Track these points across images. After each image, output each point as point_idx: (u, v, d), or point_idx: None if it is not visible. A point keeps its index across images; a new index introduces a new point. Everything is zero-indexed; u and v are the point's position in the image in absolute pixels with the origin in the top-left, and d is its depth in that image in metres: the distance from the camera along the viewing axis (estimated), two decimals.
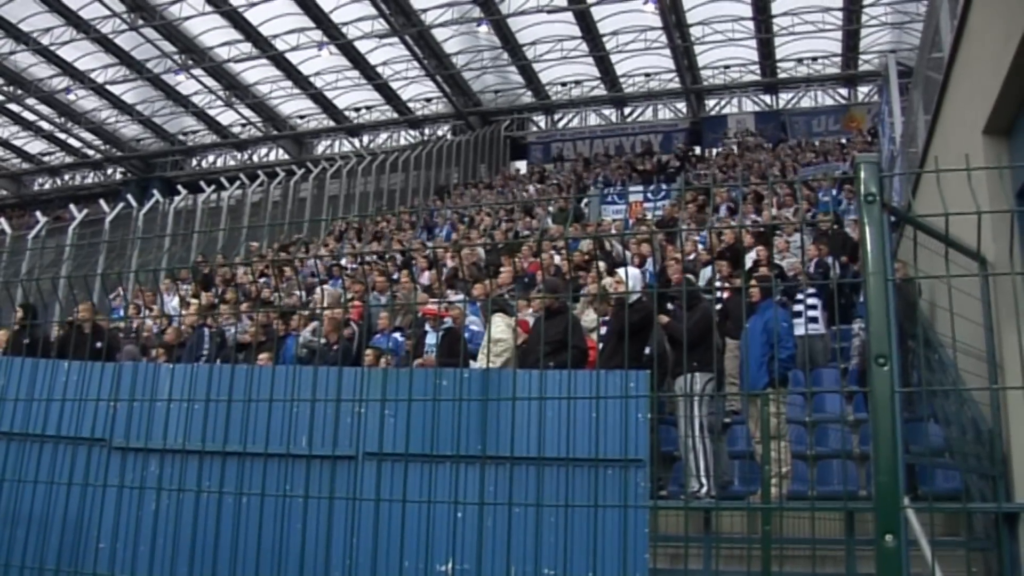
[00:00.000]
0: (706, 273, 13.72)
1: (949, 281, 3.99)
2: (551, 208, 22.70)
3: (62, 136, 44.01)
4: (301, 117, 43.58)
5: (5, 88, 38.46)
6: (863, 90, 38.43)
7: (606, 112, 42.46)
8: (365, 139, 44.73)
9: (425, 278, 15.94)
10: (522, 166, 41.53)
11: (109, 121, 42.68)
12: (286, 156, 44.13)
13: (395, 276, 15.11)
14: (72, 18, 33.79)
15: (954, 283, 3.92)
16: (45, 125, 42.37)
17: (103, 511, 5.01)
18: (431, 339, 10.74)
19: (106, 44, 35.79)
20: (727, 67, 38.62)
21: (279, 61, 37.62)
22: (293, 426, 5.01)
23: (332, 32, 35.10)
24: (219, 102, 40.95)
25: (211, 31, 35.52)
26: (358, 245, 22.64)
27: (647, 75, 39.34)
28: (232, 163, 45.44)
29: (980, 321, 6.07)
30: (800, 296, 11.87)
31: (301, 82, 39.60)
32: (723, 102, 40.88)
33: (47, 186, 48.60)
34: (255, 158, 45.69)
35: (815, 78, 38.69)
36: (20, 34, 34.55)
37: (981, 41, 6.91)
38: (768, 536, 6.96)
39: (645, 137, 40.17)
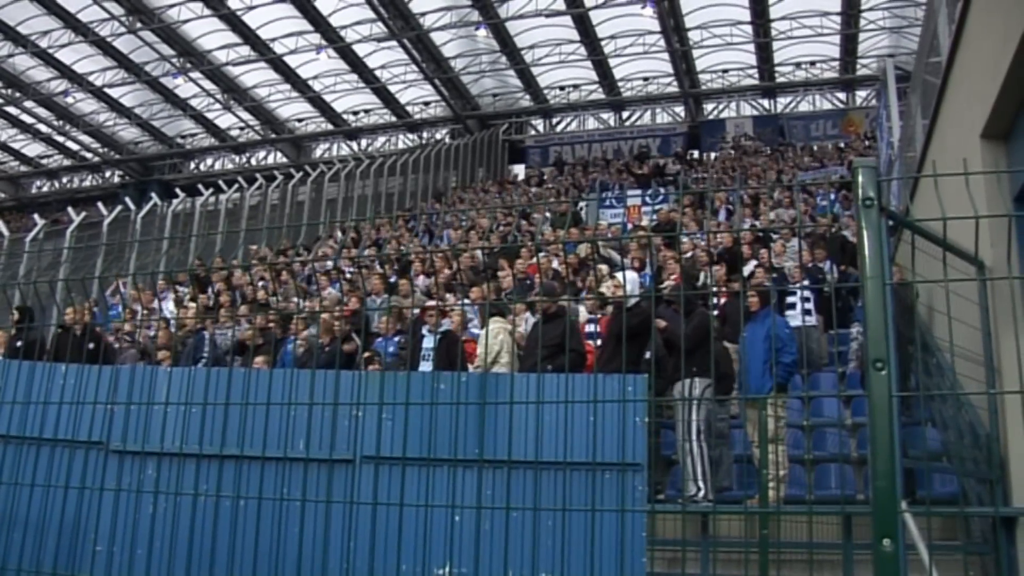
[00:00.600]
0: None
1: (947, 285, 4.00)
2: (547, 213, 22.69)
3: (60, 139, 43.98)
4: (299, 120, 43.56)
5: (3, 91, 38.44)
6: (861, 94, 38.45)
7: (604, 116, 42.46)
8: (363, 142, 44.71)
9: (421, 281, 15.92)
10: (520, 170, 41.50)
11: (107, 124, 42.66)
12: (284, 159, 44.12)
13: (392, 279, 15.09)
14: (71, 21, 33.77)
15: (952, 287, 3.92)
16: (43, 128, 42.34)
17: (100, 514, 5.00)
18: (428, 343, 10.72)
19: (105, 47, 35.80)
20: (725, 71, 38.63)
21: (277, 64, 37.64)
22: (290, 429, 5.01)
23: (330, 35, 35.11)
24: (217, 105, 40.94)
25: (209, 34, 35.53)
26: (355, 249, 22.62)
27: (645, 79, 39.36)
28: (230, 166, 45.41)
29: (978, 325, 6.07)
30: (794, 290, 11.88)
31: (299, 85, 39.61)
32: (721, 106, 40.88)
33: (45, 189, 48.56)
34: (253, 161, 45.66)
35: (813, 82, 38.71)
36: (18, 37, 34.54)
37: (979, 45, 6.92)
38: (766, 540, 6.96)
39: (643, 141, 40.16)
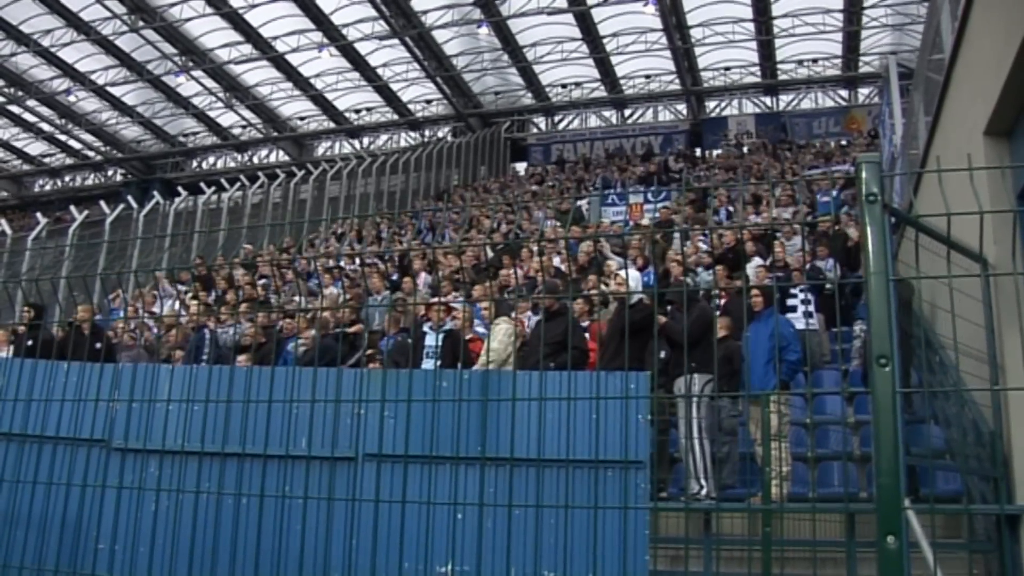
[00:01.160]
0: (704, 276, 13.73)
1: (950, 282, 3.98)
2: (549, 208, 22.67)
3: (63, 138, 44.01)
4: (301, 119, 43.57)
5: (6, 90, 38.47)
6: (864, 92, 38.41)
7: (606, 114, 42.44)
8: (365, 141, 44.71)
9: (423, 279, 15.92)
10: (522, 168, 41.48)
11: (110, 123, 42.68)
12: (286, 157, 44.10)
13: (394, 277, 15.09)
14: (73, 20, 33.79)
15: (955, 284, 3.91)
16: (46, 127, 42.37)
17: (102, 512, 5.00)
18: (431, 340, 10.71)
19: (107, 46, 35.81)
20: (727, 69, 38.60)
21: (279, 63, 37.63)
22: (292, 427, 5.00)
23: (332, 34, 35.09)
24: (219, 104, 40.95)
25: (212, 33, 35.52)
26: (358, 247, 22.63)
27: (647, 77, 39.34)
28: (232, 164, 45.41)
29: (981, 322, 6.06)
30: (794, 293, 11.87)
31: (301, 84, 39.60)
32: (723, 104, 40.85)
33: (48, 187, 48.60)
34: (255, 159, 45.67)
35: (815, 80, 38.66)
36: (21, 36, 34.56)
37: (982, 42, 6.90)
38: (768, 538, 6.95)
39: (645, 139, 40.14)
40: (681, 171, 31.11)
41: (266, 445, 4.90)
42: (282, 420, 4.99)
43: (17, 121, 41.87)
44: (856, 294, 12.13)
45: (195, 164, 46.79)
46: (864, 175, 3.24)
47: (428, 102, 41.93)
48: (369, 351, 10.82)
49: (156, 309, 15.47)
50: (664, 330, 9.38)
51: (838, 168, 27.69)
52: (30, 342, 11.23)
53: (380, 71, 38.68)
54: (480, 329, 11.80)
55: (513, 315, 10.53)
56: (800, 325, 10.91)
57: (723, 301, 11.16)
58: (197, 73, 37.84)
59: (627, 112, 42.09)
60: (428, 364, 10.33)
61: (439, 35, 35.70)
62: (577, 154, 40.63)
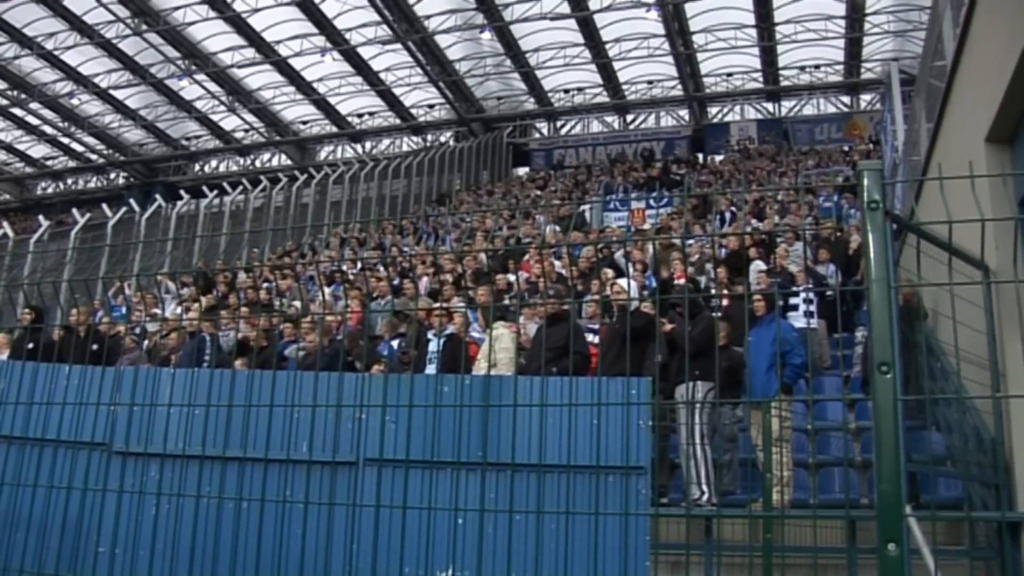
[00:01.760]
0: (706, 272, 13.72)
1: (952, 289, 3.98)
2: (551, 214, 22.70)
3: (65, 140, 44.09)
4: (304, 123, 43.63)
5: (9, 92, 38.53)
6: (865, 98, 38.46)
7: (608, 119, 42.49)
8: (367, 145, 44.77)
9: (424, 283, 15.93)
10: (524, 173, 41.53)
11: (112, 126, 42.74)
12: (288, 162, 44.16)
13: (396, 282, 15.10)
14: (76, 23, 33.85)
15: (957, 291, 3.91)
16: (48, 129, 42.45)
17: (103, 515, 5.00)
18: (434, 346, 10.70)
19: (110, 49, 35.86)
20: (729, 75, 38.66)
21: (282, 67, 37.69)
22: (294, 431, 5.00)
23: (335, 38, 35.15)
24: (222, 107, 41.01)
25: (214, 36, 35.59)
26: (360, 251, 22.64)
27: (649, 82, 39.38)
28: (235, 168, 45.49)
29: (983, 329, 6.05)
30: (796, 302, 11.88)
31: (304, 88, 39.66)
32: (725, 109, 40.91)
33: (50, 190, 48.67)
34: (258, 163, 45.75)
35: (817, 86, 38.70)
36: (24, 39, 34.62)
37: (984, 49, 6.91)
38: (770, 544, 6.94)
39: (647, 144, 40.17)
40: (683, 176, 31.12)
41: (267, 449, 4.90)
42: (283, 424, 4.99)
43: (20, 124, 41.94)
44: (858, 300, 12.13)
45: (197, 168, 46.85)
46: (866, 182, 3.25)
47: (431, 107, 41.99)
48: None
49: (157, 311, 15.46)
50: (669, 336, 9.38)
51: (837, 169, 27.75)
52: (30, 345, 11.23)
53: (383, 75, 38.73)
54: (475, 334, 11.79)
55: (521, 320, 10.54)
56: (800, 324, 10.92)
57: (724, 304, 11.17)
58: (200, 77, 37.93)
59: (629, 117, 42.14)
60: (430, 369, 10.32)
61: (442, 40, 35.76)
62: (579, 159, 40.68)
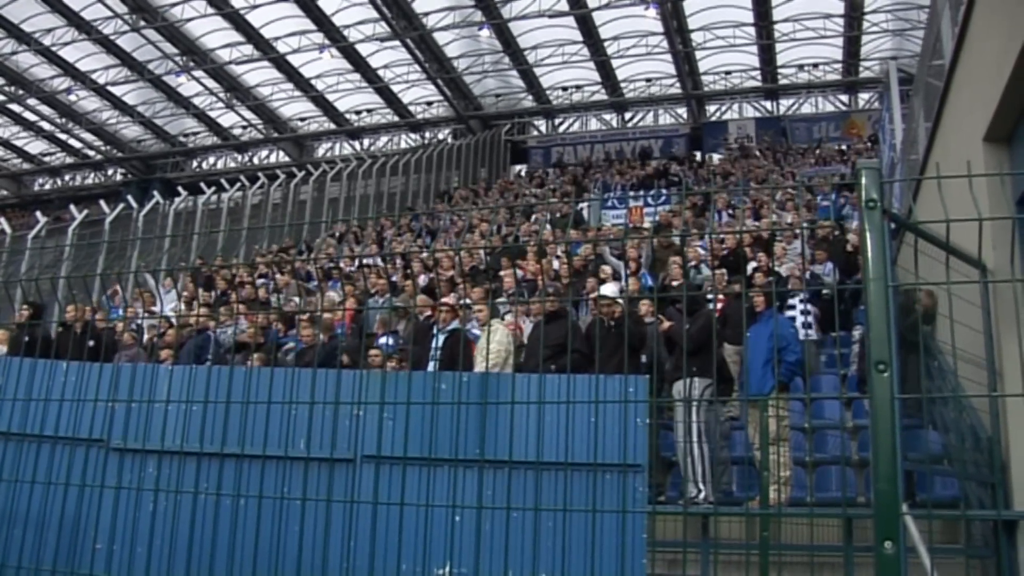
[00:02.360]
0: (707, 272, 13.71)
1: (949, 288, 3.99)
2: (547, 214, 22.72)
3: (63, 137, 44.01)
4: (302, 119, 43.58)
5: (6, 88, 38.46)
6: (864, 97, 38.45)
7: (607, 117, 42.46)
8: (366, 142, 44.73)
9: (422, 280, 15.94)
10: (522, 170, 41.50)
11: (110, 122, 42.68)
12: (286, 158, 44.11)
13: (394, 278, 15.10)
14: (74, 19, 33.78)
15: (954, 290, 3.92)
16: (46, 125, 42.37)
17: (100, 512, 5.00)
18: (434, 342, 10.69)
19: (108, 45, 35.79)
20: (728, 73, 38.63)
21: (280, 63, 37.62)
22: (291, 428, 5.01)
23: (333, 35, 35.10)
24: (220, 104, 40.96)
25: (213, 33, 35.51)
26: (357, 248, 22.64)
27: (648, 80, 39.35)
28: (232, 165, 45.42)
29: (980, 328, 6.07)
30: (793, 302, 11.88)
31: (302, 84, 39.60)
32: (724, 107, 40.88)
33: (47, 186, 48.58)
34: (255, 160, 45.68)
35: (816, 84, 38.68)
36: (22, 34, 34.55)
37: (982, 49, 6.92)
38: (766, 542, 6.96)
39: (646, 142, 40.15)
40: (680, 174, 31.13)
41: (265, 446, 4.91)
42: (281, 421, 4.99)
43: (17, 120, 41.87)
44: (855, 299, 12.13)
45: (195, 164, 46.79)
46: (864, 181, 3.25)
47: (429, 104, 41.95)
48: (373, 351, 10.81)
49: (155, 308, 15.45)
50: (667, 333, 9.39)
51: (836, 169, 27.75)
52: (27, 339, 11.22)
53: (381, 72, 38.69)
54: (475, 331, 11.79)
55: (514, 317, 10.54)
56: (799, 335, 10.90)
57: (720, 304, 11.17)
58: (198, 73, 37.86)
59: (627, 115, 42.11)
60: (431, 366, 10.31)
61: (440, 37, 35.71)
62: (577, 157, 40.65)
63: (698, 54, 36.57)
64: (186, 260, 22.56)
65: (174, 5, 33.37)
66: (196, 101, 40.96)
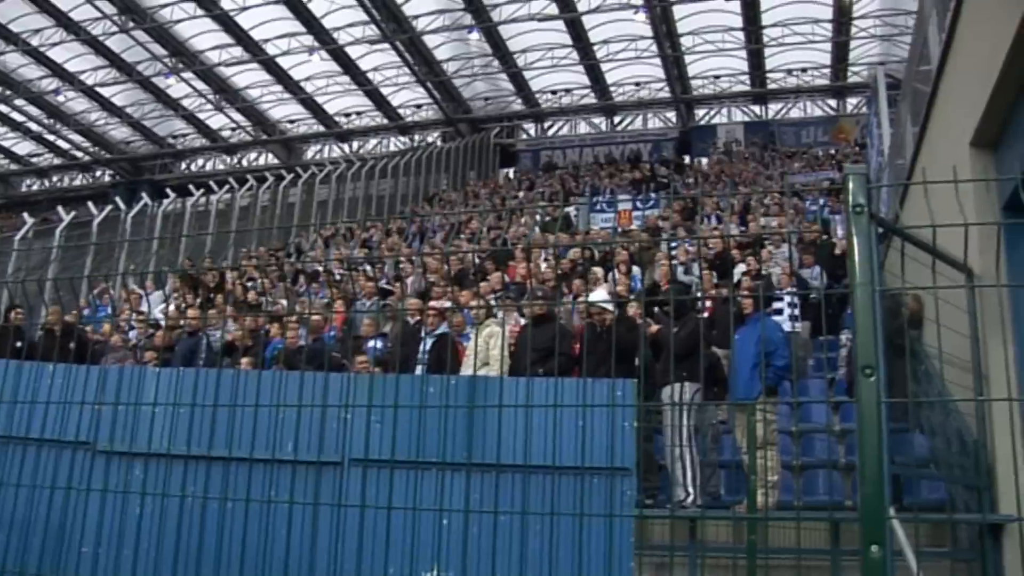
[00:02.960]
0: (693, 270, 13.73)
1: (935, 292, 4.00)
2: (538, 217, 22.73)
3: (51, 137, 43.83)
4: (291, 122, 43.52)
5: None
6: (852, 101, 38.57)
7: (596, 121, 42.53)
8: (355, 144, 44.70)
9: (411, 283, 15.92)
10: (511, 173, 41.52)
11: (98, 123, 42.54)
12: (275, 161, 44.04)
13: (383, 282, 15.09)
14: (62, 19, 33.66)
15: (941, 294, 3.93)
16: (34, 126, 42.18)
17: (86, 515, 4.98)
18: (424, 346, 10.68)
19: (96, 46, 35.66)
20: (717, 77, 38.74)
21: (270, 65, 37.57)
22: (279, 431, 4.99)
23: (323, 37, 35.06)
24: (209, 106, 40.86)
25: (202, 35, 35.43)
26: (346, 251, 22.60)
27: (637, 84, 39.40)
28: (221, 167, 45.34)
29: (966, 332, 6.08)
30: (780, 305, 11.91)
31: (291, 87, 39.55)
32: (712, 112, 41.00)
33: (35, 187, 48.38)
34: (244, 162, 45.63)
35: (804, 89, 38.81)
36: (10, 35, 34.39)
37: (969, 54, 6.94)
38: (753, 546, 6.97)
39: (634, 146, 40.21)
40: (669, 178, 31.17)
41: (252, 449, 4.89)
42: (268, 424, 4.97)
43: (5, 120, 41.70)
44: (843, 303, 12.15)
45: (184, 166, 46.69)
46: (851, 186, 3.26)
47: (418, 107, 41.95)
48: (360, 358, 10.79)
49: (143, 309, 15.42)
50: (654, 337, 9.40)
51: (824, 174, 27.85)
52: (18, 343, 11.17)
53: (370, 75, 38.67)
54: (467, 332, 11.80)
55: (502, 322, 10.53)
56: (785, 327, 10.94)
57: (709, 304, 11.19)
58: (187, 75, 37.77)
59: (616, 119, 42.18)
60: (418, 370, 10.30)
61: (430, 40, 35.72)
62: (566, 160, 40.69)
63: (687, 58, 36.65)
64: (174, 262, 22.50)
65: (163, 6, 33.29)
66: (185, 103, 40.85)
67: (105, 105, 40.68)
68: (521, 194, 32.20)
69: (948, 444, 7.08)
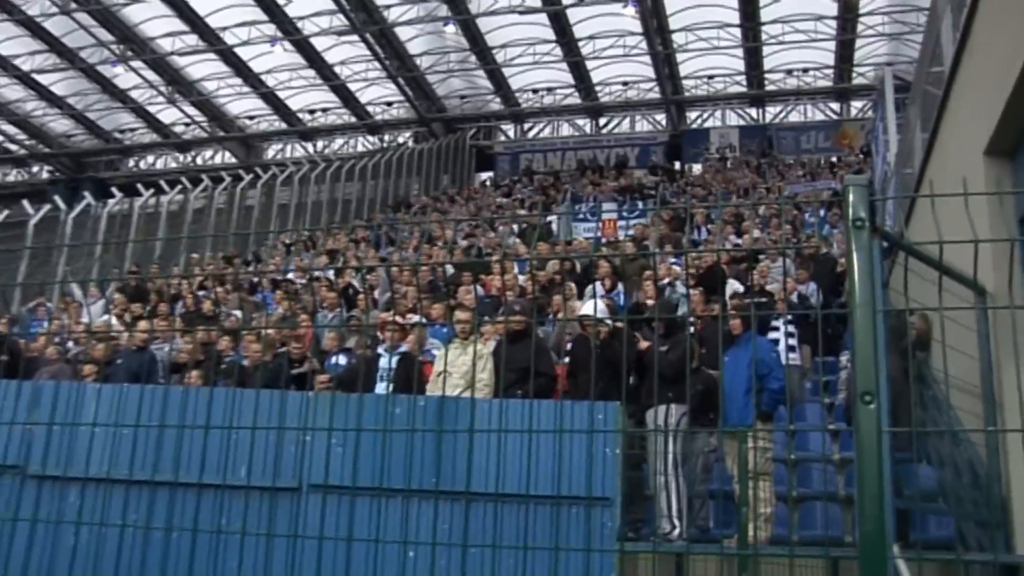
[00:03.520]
0: (682, 290, 13.73)
1: (943, 313, 4.01)
2: (515, 226, 22.75)
3: None
4: (250, 118, 43.41)
5: None
6: (856, 105, 38.82)
7: (580, 122, 42.64)
8: (319, 144, 44.64)
9: (378, 295, 15.89)
10: (488, 178, 41.54)
11: (36, 114, 42.22)
12: (233, 160, 43.92)
13: (350, 292, 15.05)
14: None
15: (950, 315, 3.93)
16: None
17: (13, 546, 4.92)
18: (384, 363, 10.64)
19: (33, 28, 35.26)
20: (711, 77, 38.91)
21: (228, 56, 37.43)
22: (231, 454, 4.95)
23: (286, 27, 34.98)
24: (160, 98, 40.64)
25: (153, 20, 35.20)
26: (308, 259, 22.54)
27: (625, 83, 39.53)
28: (173, 165, 45.20)
29: (977, 356, 6.09)
30: (776, 324, 11.92)
31: (251, 80, 39.44)
32: (706, 115, 41.17)
33: None
34: (199, 160, 45.46)
35: (805, 91, 39.03)
36: None
37: (985, 55, 6.98)
38: None
39: (621, 150, 40.29)
40: (657, 186, 31.21)
41: (202, 473, 4.85)
42: (220, 446, 4.94)
43: None
44: (844, 322, 12.16)
45: (132, 163, 46.48)
46: (851, 198, 3.26)
47: (388, 104, 41.93)
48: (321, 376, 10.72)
49: (84, 319, 15.30)
50: (640, 355, 9.38)
51: (825, 184, 27.96)
52: None
53: (337, 69, 38.63)
54: (433, 352, 11.75)
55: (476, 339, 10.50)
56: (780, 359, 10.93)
57: (698, 327, 11.18)
58: (136, 64, 37.50)
59: (602, 121, 42.31)
60: (381, 387, 10.25)
61: (402, 32, 35.73)
62: (547, 165, 40.74)
63: (679, 56, 36.78)
64: (120, 269, 22.37)
65: None
66: (134, 94, 40.63)
67: (43, 94, 40.36)
68: (498, 201, 32.20)
69: (958, 476, 7.09)
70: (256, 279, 18.57)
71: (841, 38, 34.75)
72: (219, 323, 13.61)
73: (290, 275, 17.97)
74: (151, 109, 42.08)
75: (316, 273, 17.53)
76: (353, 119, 42.65)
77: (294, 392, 5.41)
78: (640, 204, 26.83)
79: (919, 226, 8.95)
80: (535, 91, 40.88)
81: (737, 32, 34.79)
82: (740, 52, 36.56)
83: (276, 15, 34.34)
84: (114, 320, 14.76)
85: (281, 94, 40.80)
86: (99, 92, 40.49)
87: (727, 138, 39.75)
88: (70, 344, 13.87)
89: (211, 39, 36.03)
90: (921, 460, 7.85)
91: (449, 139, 40.74)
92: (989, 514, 6.41)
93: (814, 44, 35.05)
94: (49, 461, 5.13)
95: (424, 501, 4.69)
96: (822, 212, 21.50)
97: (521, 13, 33.27)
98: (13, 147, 45.10)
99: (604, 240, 22.42)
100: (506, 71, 38.80)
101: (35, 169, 47.07)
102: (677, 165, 38.91)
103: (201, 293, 17.11)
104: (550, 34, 35.69)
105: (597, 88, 40.04)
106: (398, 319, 11.45)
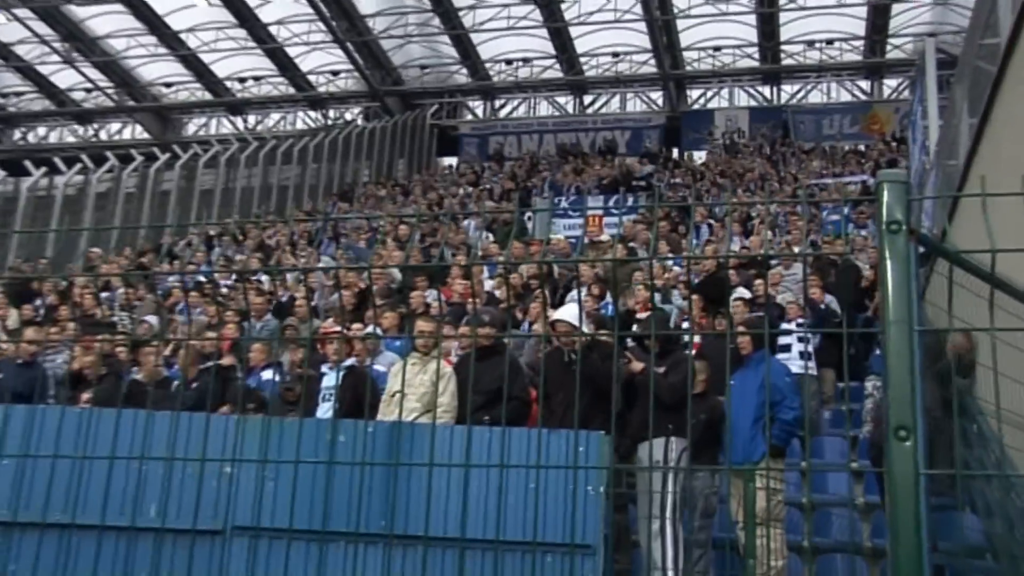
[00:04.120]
0: (679, 302, 13.77)
1: (993, 332, 4.02)
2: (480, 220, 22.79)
3: None
4: (167, 85, 43.25)
5: None
6: (890, 84, 39.00)
7: (561, 100, 42.71)
8: (251, 119, 44.55)
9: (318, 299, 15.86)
10: (452, 164, 41.57)
11: None
12: (146, 135, 43.74)
13: (284, 299, 15.02)
14: None
15: (1000, 336, 3.93)
16: None
17: None
18: (329, 381, 10.62)
19: None
20: (717, 49, 39.04)
21: (139, 9, 37.18)
22: (140, 490, 4.93)
23: None
24: (55, 57, 40.33)
25: None
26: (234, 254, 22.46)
27: (615, 55, 39.63)
28: (71, 139, 45.01)
29: None
30: (789, 341, 11.98)
31: (168, 39, 39.25)
32: (710, 94, 41.32)
33: None
34: (103, 135, 45.31)
35: (829, 66, 39.20)
36: None
37: None
38: None
39: (609, 134, 40.37)
40: (651, 176, 31.27)
41: (104, 514, 4.82)
42: (126, 481, 4.91)
43: None
44: (869, 342, 12.20)
45: (18, 135, 46.20)
46: (886, 197, 3.27)
47: (335, 74, 41.89)
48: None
49: None
50: (631, 378, 9.37)
51: (852, 177, 28.12)
52: None
53: (273, 30, 38.55)
54: (378, 367, 11.72)
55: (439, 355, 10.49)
56: (795, 368, 10.97)
57: (697, 340, 11.22)
58: (23, 13, 37.11)
59: (587, 99, 42.40)
60: (324, 409, 10.23)
61: None
62: (522, 149, 40.76)
63: (680, 24, 36.87)
64: (3, 262, 22.22)
65: None
66: (20, 51, 40.29)
67: None
68: (463, 190, 32.20)
69: (1010, 528, 7.12)
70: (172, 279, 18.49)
71: (874, 2, 34.75)
72: (127, 331, 13.52)
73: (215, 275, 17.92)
74: (43, 70, 41.78)
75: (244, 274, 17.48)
76: (292, 90, 42.61)
77: (218, 415, 5.40)
78: (631, 198, 26.89)
79: (964, 229, 8.99)
80: (509, 62, 40.94)
81: None
82: (752, 19, 36.69)
83: None
84: None
85: (204, 57, 40.68)
86: None
87: (735, 121, 39.89)
88: None
89: None
90: (964, 508, 7.89)
91: (406, 117, 40.72)
92: None
93: (841, 10, 35.11)
94: None
95: (373, 547, 4.69)
96: (846, 210, 21.56)
97: None
98: None
99: (588, 240, 22.46)
100: (474, 37, 38.84)
101: None
102: (675, 152, 38.97)
103: (105, 295, 17.02)
104: None
105: (582, 60, 40.14)
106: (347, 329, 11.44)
